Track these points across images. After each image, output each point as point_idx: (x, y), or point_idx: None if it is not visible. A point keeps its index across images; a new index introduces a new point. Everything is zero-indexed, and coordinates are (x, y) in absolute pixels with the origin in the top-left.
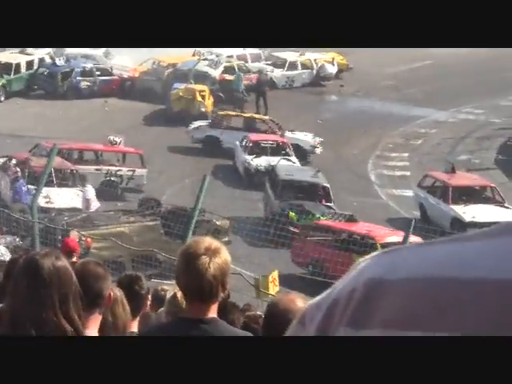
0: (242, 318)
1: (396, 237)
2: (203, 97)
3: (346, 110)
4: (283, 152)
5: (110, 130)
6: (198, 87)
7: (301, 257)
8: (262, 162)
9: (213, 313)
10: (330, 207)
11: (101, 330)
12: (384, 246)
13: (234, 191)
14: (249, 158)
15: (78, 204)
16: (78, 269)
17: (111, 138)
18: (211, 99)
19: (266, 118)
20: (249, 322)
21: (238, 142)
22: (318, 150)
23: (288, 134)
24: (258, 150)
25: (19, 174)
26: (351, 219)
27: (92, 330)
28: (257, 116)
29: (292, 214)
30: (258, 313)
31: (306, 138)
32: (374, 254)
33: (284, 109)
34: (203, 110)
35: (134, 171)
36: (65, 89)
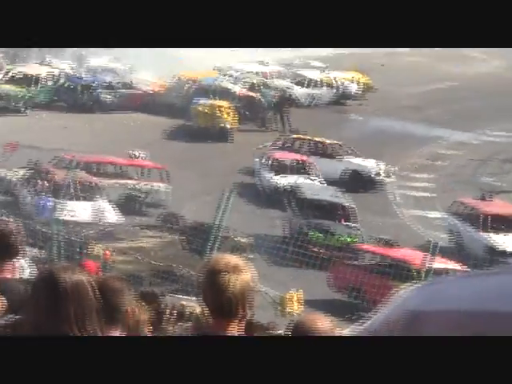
0: None
1: (436, 263)
2: (224, 112)
3: (367, 129)
4: (305, 171)
5: (131, 143)
6: (219, 103)
7: (339, 281)
8: (283, 180)
9: (234, 330)
10: (349, 226)
11: None
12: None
13: (254, 208)
14: (270, 175)
15: (110, 219)
16: (97, 283)
17: (132, 152)
18: (232, 115)
19: (336, 142)
20: None
21: (258, 160)
22: (385, 178)
23: (348, 158)
24: (279, 168)
25: (44, 187)
26: (389, 243)
27: None
28: (328, 141)
29: (312, 233)
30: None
31: (367, 164)
32: (414, 285)
33: (306, 127)
34: (223, 125)
35: (154, 186)
36: (84, 100)
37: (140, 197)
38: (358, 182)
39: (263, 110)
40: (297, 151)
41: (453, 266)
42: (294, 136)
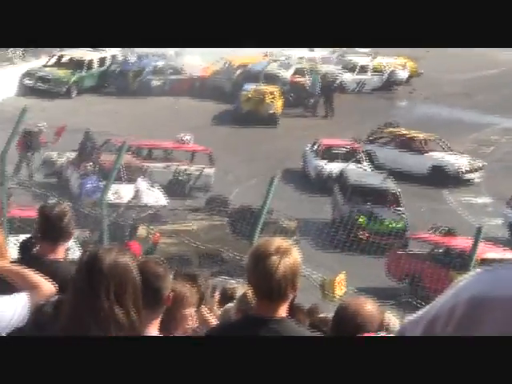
0: (307, 320)
1: (495, 253)
2: (273, 98)
3: (416, 115)
4: (355, 158)
5: (180, 128)
6: (268, 88)
7: (397, 269)
8: (334, 167)
9: (282, 312)
10: (399, 213)
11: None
12: (483, 261)
13: (301, 194)
14: (322, 163)
15: (148, 200)
16: (138, 267)
17: (180, 136)
18: (281, 101)
19: (432, 137)
20: (319, 325)
21: (308, 147)
22: (473, 175)
23: (435, 154)
24: (329, 155)
25: (92, 169)
26: (449, 233)
27: (152, 329)
28: (422, 135)
29: (362, 218)
30: (330, 315)
31: (455, 160)
32: (473, 271)
33: (353, 113)
34: (272, 111)
35: (202, 169)
36: (136, 86)
37: (188, 180)
38: (444, 179)
39: (312, 95)
40: (385, 144)
41: (509, 256)
42: (387, 130)
